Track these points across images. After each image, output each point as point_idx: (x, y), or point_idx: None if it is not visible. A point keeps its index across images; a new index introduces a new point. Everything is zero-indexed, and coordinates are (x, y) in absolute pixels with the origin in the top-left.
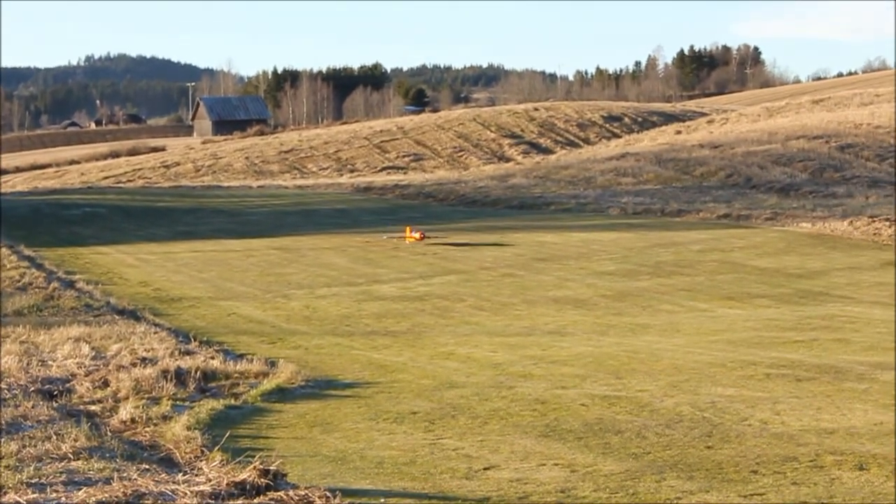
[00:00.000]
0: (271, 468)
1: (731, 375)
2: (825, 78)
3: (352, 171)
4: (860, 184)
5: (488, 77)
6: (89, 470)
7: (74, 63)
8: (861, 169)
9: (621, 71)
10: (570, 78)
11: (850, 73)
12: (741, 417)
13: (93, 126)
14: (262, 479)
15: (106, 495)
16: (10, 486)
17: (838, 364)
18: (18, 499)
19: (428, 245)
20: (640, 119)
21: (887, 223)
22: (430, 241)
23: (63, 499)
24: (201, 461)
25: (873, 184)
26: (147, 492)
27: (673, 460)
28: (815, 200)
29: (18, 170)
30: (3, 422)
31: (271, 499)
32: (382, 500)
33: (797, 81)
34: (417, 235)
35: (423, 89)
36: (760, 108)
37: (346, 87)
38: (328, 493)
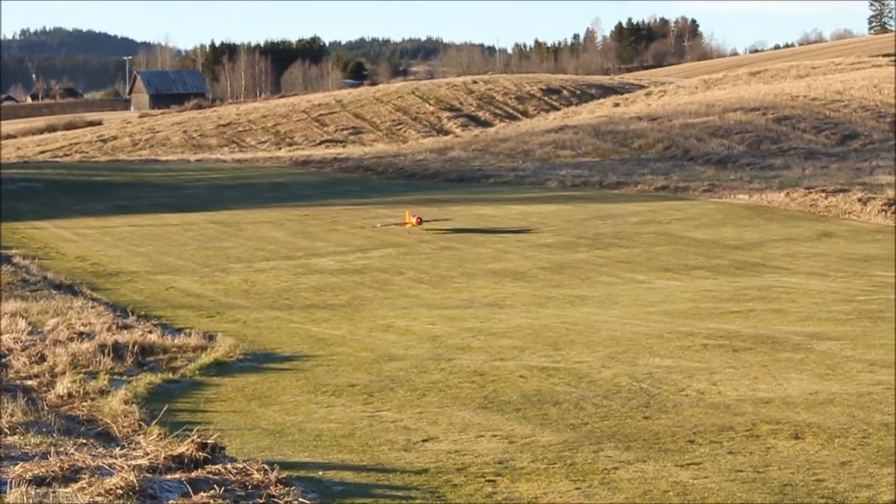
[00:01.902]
0: (209, 441)
1: (668, 346)
2: (762, 50)
3: (290, 145)
4: (797, 155)
5: (427, 50)
6: (26, 445)
7: (10, 37)
8: (798, 141)
9: (560, 44)
10: (509, 51)
11: (786, 46)
12: (678, 388)
13: (29, 100)
14: (200, 453)
15: (43, 470)
16: None
17: (775, 334)
18: None
19: (422, 230)
20: (578, 92)
21: (823, 194)
22: (428, 226)
23: None
24: (139, 435)
25: (810, 155)
26: (84, 466)
27: (610, 431)
28: (752, 172)
29: None
30: None
31: (209, 472)
32: (321, 473)
33: (734, 54)
34: (414, 220)
35: (362, 63)
36: (698, 81)
37: (284, 61)
38: (266, 466)
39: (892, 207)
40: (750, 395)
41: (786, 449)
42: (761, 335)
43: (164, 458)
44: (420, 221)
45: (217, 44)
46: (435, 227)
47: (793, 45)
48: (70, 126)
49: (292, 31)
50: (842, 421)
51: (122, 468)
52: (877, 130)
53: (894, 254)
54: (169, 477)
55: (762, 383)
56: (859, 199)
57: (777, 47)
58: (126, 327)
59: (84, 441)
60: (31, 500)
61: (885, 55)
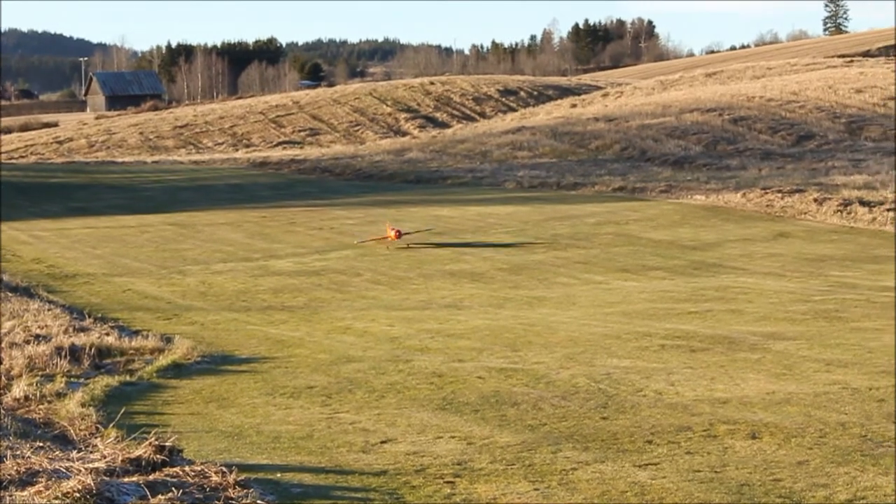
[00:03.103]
0: (167, 444)
1: (626, 347)
2: (718, 51)
3: (247, 147)
4: (753, 156)
5: (384, 51)
6: None
7: None
8: (754, 141)
9: (517, 45)
10: (466, 52)
11: (742, 47)
12: (636, 388)
13: None
14: (158, 456)
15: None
16: None
17: (731, 334)
18: None
19: (400, 247)
20: (535, 93)
21: (779, 195)
22: (409, 239)
23: None
24: (96, 438)
25: (766, 156)
26: (41, 469)
27: (569, 431)
28: (708, 173)
29: None
30: None
31: (167, 475)
32: (279, 475)
33: (691, 55)
34: (393, 234)
35: (319, 64)
36: (655, 82)
37: (241, 62)
38: (224, 469)
39: (847, 208)
40: (707, 395)
41: (743, 449)
42: (718, 335)
43: (122, 461)
44: (399, 235)
45: (173, 45)
46: (416, 240)
47: (749, 46)
48: (25, 128)
49: (249, 32)
50: (798, 420)
51: (80, 471)
52: (832, 131)
53: (850, 254)
54: (126, 480)
55: (719, 383)
56: (815, 200)
57: (733, 48)
58: (83, 330)
59: (41, 444)
60: None
61: (839, 56)
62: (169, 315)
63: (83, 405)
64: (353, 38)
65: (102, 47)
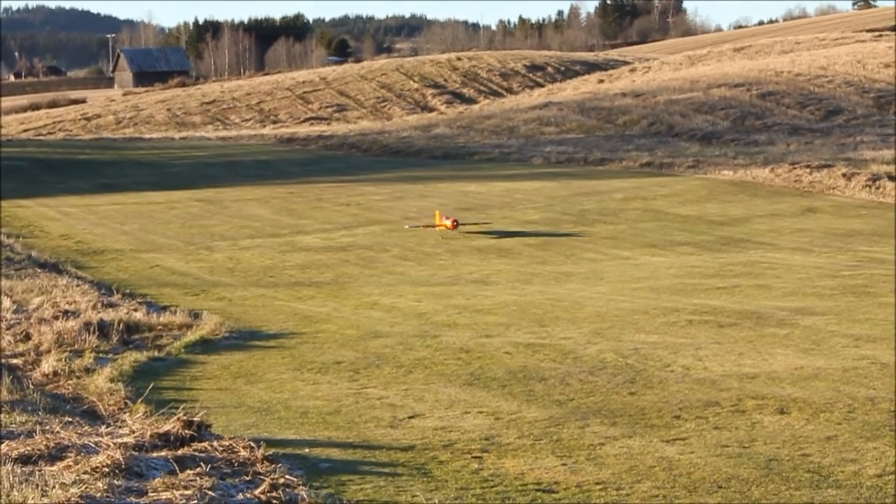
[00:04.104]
0: (195, 419)
1: (653, 322)
2: (746, 26)
3: (274, 123)
4: (781, 131)
5: (411, 27)
6: (11, 423)
7: None
8: (782, 116)
9: (544, 20)
10: (493, 27)
11: (770, 22)
12: (664, 364)
13: (12, 78)
14: (186, 431)
15: (28, 448)
16: None
17: (760, 310)
18: None
19: (458, 234)
20: (562, 68)
21: (808, 170)
22: (465, 230)
23: None
24: (124, 413)
25: (794, 131)
26: (70, 444)
27: (596, 406)
28: (736, 148)
29: None
30: None
31: (195, 450)
32: (307, 450)
33: (718, 30)
34: (449, 223)
35: (346, 40)
36: (682, 57)
37: (268, 38)
38: (252, 444)
39: (876, 183)
40: (735, 370)
41: (771, 424)
42: (746, 311)
43: (150, 436)
44: (456, 224)
45: (201, 21)
46: (473, 230)
47: (777, 21)
48: (53, 104)
49: (276, 9)
50: (827, 396)
51: (108, 446)
52: (860, 106)
53: (878, 229)
54: (155, 455)
55: (747, 359)
56: (843, 175)
57: (761, 23)
58: (111, 305)
59: (70, 419)
60: (16, 479)
61: (868, 30)
62: (197, 291)
63: (112, 381)
64: (380, 14)
65: (130, 24)
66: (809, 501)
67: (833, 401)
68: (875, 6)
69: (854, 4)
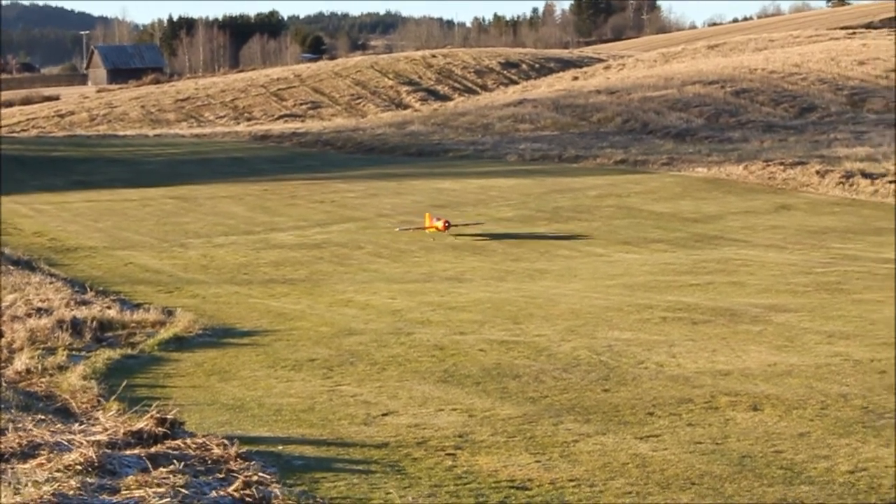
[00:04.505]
0: (168, 417)
1: (627, 319)
2: (720, 23)
3: (249, 120)
4: (755, 128)
5: (386, 24)
6: None
7: None
8: (756, 114)
9: (519, 17)
10: (468, 25)
11: (745, 19)
12: (637, 360)
13: None
14: (159, 428)
15: (1, 446)
16: None
17: (733, 307)
18: None
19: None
20: (537, 66)
21: (781, 167)
22: (456, 231)
23: None
24: (98, 411)
25: (768, 128)
26: (43, 442)
27: (570, 404)
28: (710, 145)
29: None
30: None
31: (168, 447)
32: (281, 448)
33: (693, 27)
34: (440, 224)
35: (321, 37)
36: (657, 54)
37: (242, 35)
38: (226, 441)
39: (850, 180)
40: (709, 367)
41: (744, 420)
42: (720, 308)
43: (123, 433)
44: (448, 226)
45: (175, 18)
46: (464, 232)
47: (751, 19)
48: (27, 101)
49: (250, 6)
50: (800, 392)
51: (81, 444)
52: (834, 103)
53: (851, 226)
54: (128, 452)
55: (721, 355)
56: (817, 172)
57: (735, 20)
58: (84, 303)
59: (42, 417)
60: None
61: (842, 28)
62: (170, 288)
63: (85, 378)
64: (355, 11)
65: (104, 20)
66: (782, 498)
67: (806, 397)
68: (849, 4)
69: (828, 2)
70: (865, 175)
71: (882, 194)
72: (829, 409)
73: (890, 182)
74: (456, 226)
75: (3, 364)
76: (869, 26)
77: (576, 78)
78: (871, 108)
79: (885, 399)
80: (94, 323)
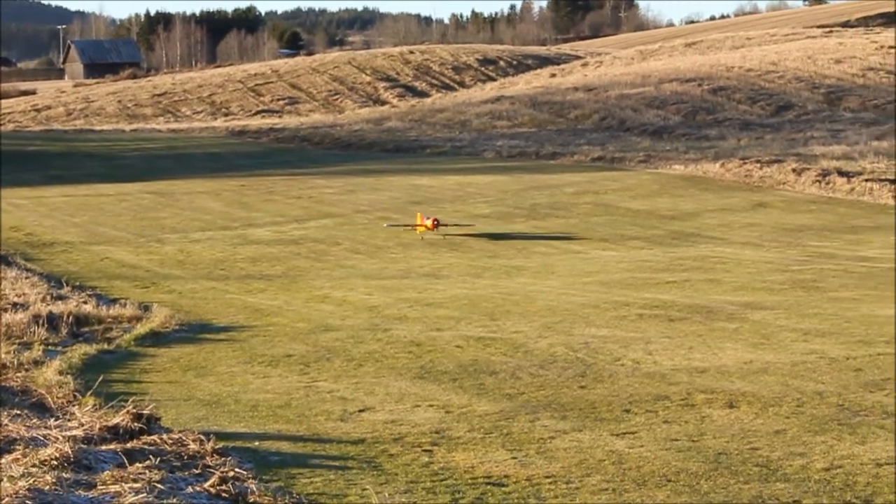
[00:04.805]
0: (144, 412)
1: (604, 316)
2: (698, 21)
3: (226, 115)
4: (732, 126)
5: (363, 20)
6: None
7: None
8: (733, 111)
9: (496, 14)
10: (446, 21)
11: (722, 17)
12: (614, 357)
13: None
14: (136, 424)
15: None
16: None
17: (710, 304)
18: None
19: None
20: (515, 62)
21: (758, 165)
22: (445, 231)
23: None
24: (74, 406)
25: (745, 126)
26: (18, 437)
27: (547, 400)
28: (687, 143)
29: None
30: None
31: (145, 443)
32: (257, 443)
33: (670, 25)
34: (430, 223)
35: (298, 32)
36: (634, 52)
37: (219, 31)
38: (202, 437)
39: (826, 178)
40: (685, 364)
41: (720, 418)
42: (696, 305)
43: (99, 428)
44: (437, 224)
45: (152, 13)
46: (454, 232)
47: (728, 16)
48: (3, 95)
49: (228, 1)
50: (776, 390)
51: (57, 439)
52: (811, 101)
53: (828, 224)
54: (104, 448)
55: (697, 353)
56: (793, 170)
57: (713, 18)
58: (61, 298)
59: (18, 412)
60: None
61: (819, 26)
62: (147, 283)
63: (61, 373)
64: (333, 7)
65: (81, 15)
66: (758, 495)
67: (782, 395)
68: (826, 2)
69: (805, 1)
70: (842, 173)
71: (858, 192)
72: (805, 406)
73: (866, 180)
74: (445, 225)
75: None
76: (845, 25)
77: (553, 75)
78: (848, 107)
79: (861, 396)
80: (71, 318)
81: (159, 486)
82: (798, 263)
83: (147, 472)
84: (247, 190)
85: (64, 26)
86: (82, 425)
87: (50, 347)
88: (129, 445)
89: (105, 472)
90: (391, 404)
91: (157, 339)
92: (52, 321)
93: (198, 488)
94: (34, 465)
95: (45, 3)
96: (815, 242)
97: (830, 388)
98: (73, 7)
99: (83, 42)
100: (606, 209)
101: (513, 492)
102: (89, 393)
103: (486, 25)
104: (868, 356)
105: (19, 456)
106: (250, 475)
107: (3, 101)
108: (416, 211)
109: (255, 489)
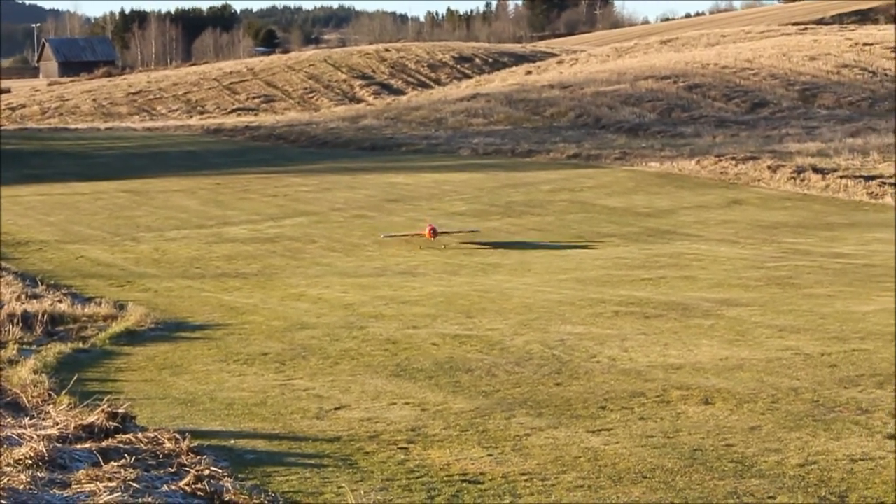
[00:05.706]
0: (119, 411)
1: (580, 313)
2: (673, 19)
3: (202, 113)
4: (707, 123)
5: (339, 18)
6: None
7: None
8: (708, 109)
9: (472, 12)
10: (421, 19)
11: (697, 14)
12: (590, 354)
13: None
14: (111, 422)
15: None
16: None
17: (685, 301)
18: None
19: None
20: (490, 60)
21: (733, 162)
22: (446, 240)
23: None
24: (48, 405)
25: (720, 123)
26: None
27: (523, 397)
28: (663, 140)
29: None
30: None
31: (120, 442)
32: (233, 442)
33: (646, 22)
34: (426, 231)
35: (274, 30)
36: (609, 49)
37: (195, 29)
38: (177, 435)
39: (801, 175)
40: (661, 361)
41: (696, 414)
42: (672, 302)
43: (74, 427)
44: (434, 233)
45: (127, 11)
46: (458, 240)
47: (703, 14)
48: None
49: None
50: (751, 386)
51: (32, 438)
52: (786, 98)
53: (803, 221)
54: (79, 447)
55: (673, 349)
56: (769, 167)
57: (688, 15)
58: (35, 297)
59: None
60: None
61: (794, 24)
62: (122, 282)
63: (35, 372)
64: (308, 5)
65: (55, 13)
66: (733, 491)
67: (757, 391)
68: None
69: None
70: (816, 170)
71: (833, 189)
72: (780, 402)
73: (841, 177)
74: (445, 233)
75: None
76: (820, 22)
77: (529, 73)
78: (823, 104)
79: (836, 393)
80: (45, 317)
81: (134, 484)
82: (773, 260)
83: (122, 470)
84: (222, 188)
85: (38, 24)
86: (57, 424)
87: (24, 346)
88: (104, 444)
89: (80, 471)
90: (367, 402)
91: (132, 337)
92: (27, 320)
93: (173, 487)
94: (8, 465)
95: (20, 1)
96: (790, 239)
97: (805, 385)
98: (47, 5)
99: (58, 40)
100: (582, 206)
101: (488, 489)
102: (64, 392)
103: (461, 23)
104: (843, 352)
105: None
106: (226, 473)
107: None
108: (392, 208)
109: (230, 487)
